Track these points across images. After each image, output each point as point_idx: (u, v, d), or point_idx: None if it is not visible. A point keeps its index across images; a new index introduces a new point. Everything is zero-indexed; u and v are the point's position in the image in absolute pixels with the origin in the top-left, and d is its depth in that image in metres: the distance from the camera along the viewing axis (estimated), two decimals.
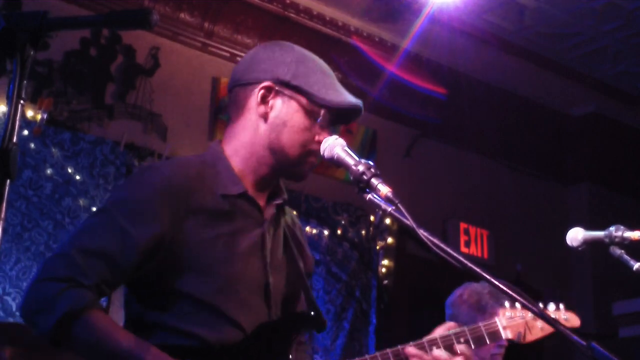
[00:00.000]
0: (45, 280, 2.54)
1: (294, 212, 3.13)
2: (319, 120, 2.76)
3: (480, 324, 3.14)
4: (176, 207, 2.64)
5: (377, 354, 2.88)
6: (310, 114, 2.75)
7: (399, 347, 2.93)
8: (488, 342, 3.14)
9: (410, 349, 2.93)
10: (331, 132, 2.78)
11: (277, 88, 2.77)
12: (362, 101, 2.87)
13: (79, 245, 2.57)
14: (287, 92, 2.77)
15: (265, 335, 2.67)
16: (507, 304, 3.29)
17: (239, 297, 2.66)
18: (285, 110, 2.76)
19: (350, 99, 2.81)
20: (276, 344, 2.69)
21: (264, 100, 2.78)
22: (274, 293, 2.76)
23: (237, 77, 2.85)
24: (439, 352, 2.95)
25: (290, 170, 2.79)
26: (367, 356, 2.86)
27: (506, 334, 3.19)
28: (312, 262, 3.07)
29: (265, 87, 2.77)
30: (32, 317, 2.54)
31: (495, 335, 3.16)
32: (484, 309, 4.55)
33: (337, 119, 2.85)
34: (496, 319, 3.20)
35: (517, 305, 3.26)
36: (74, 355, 2.58)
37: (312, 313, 2.84)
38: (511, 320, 3.23)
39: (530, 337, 3.25)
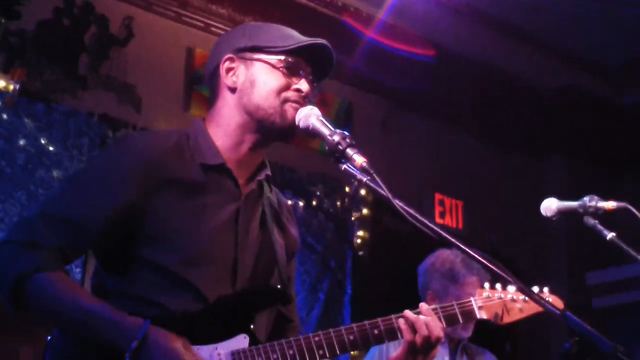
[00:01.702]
0: (5, 243, 2.58)
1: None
2: (283, 69, 2.77)
3: (454, 302, 3.11)
4: (149, 177, 2.66)
5: (379, 319, 2.88)
6: (273, 66, 2.81)
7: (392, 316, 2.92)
8: (461, 322, 3.12)
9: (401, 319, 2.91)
10: (308, 80, 2.81)
11: (237, 56, 2.84)
12: (328, 43, 2.87)
13: (44, 210, 2.62)
14: (247, 55, 2.84)
15: (226, 306, 2.68)
16: (486, 284, 3.26)
17: (206, 270, 2.68)
18: (249, 72, 2.82)
19: (308, 39, 2.83)
20: (236, 315, 2.69)
21: (229, 72, 2.84)
22: (242, 268, 2.77)
23: (207, 70, 2.96)
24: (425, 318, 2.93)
25: (275, 124, 2.79)
26: (354, 325, 2.86)
27: (481, 314, 3.17)
28: (295, 242, 3.08)
29: (226, 60, 2.85)
30: None
31: (469, 315, 3.14)
32: (456, 278, 4.57)
33: (309, 65, 2.87)
34: (472, 299, 3.17)
35: (497, 286, 3.24)
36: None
37: (278, 287, 2.86)
38: (488, 300, 3.20)
39: (508, 319, 3.22)
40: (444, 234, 2.30)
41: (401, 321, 2.88)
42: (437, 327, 2.90)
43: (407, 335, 2.87)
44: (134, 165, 2.67)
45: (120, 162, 2.70)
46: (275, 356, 2.66)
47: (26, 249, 2.54)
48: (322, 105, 7.17)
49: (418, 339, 2.86)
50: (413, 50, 7.61)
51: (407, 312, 2.92)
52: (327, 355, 2.75)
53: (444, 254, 4.69)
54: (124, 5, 6.41)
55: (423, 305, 2.98)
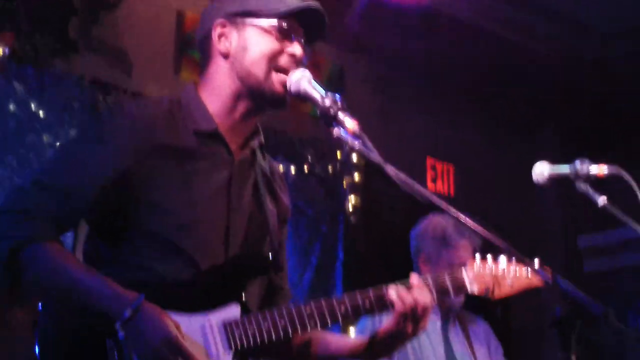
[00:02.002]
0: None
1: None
2: (275, 33, 2.77)
3: (446, 274, 3.10)
4: (140, 145, 2.67)
5: (357, 292, 2.88)
6: (266, 31, 2.80)
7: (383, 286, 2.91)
8: (452, 295, 3.12)
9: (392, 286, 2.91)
10: (301, 44, 2.81)
11: (229, 21, 2.84)
12: (319, 4, 2.88)
13: (38, 180, 2.63)
14: (239, 20, 2.84)
15: (218, 274, 2.69)
16: (477, 257, 3.26)
17: (198, 236, 2.69)
18: (242, 37, 2.81)
19: (301, 3, 2.82)
20: (228, 283, 2.70)
21: (222, 38, 2.83)
22: (234, 235, 2.78)
23: (198, 35, 2.96)
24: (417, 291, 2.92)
25: (264, 93, 2.79)
26: (345, 295, 2.86)
27: (472, 288, 3.17)
28: (287, 209, 3.09)
29: (218, 25, 2.85)
30: None
31: (461, 288, 3.13)
32: (449, 242, 4.60)
33: (301, 29, 2.87)
34: (463, 270, 3.17)
35: (488, 259, 3.23)
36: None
37: (270, 254, 2.87)
38: (479, 274, 3.20)
39: (499, 294, 3.22)
40: (435, 199, 2.30)
41: (390, 293, 2.88)
42: (426, 298, 2.89)
43: (397, 306, 2.87)
44: (126, 133, 2.69)
45: (113, 130, 2.71)
46: (266, 325, 2.68)
47: (20, 219, 2.55)
48: (314, 68, 7.11)
49: (407, 310, 2.86)
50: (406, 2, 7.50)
51: (395, 285, 2.92)
52: (318, 325, 2.77)
53: (436, 218, 4.70)
54: None
55: (414, 276, 2.98)
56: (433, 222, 4.71)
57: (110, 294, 2.50)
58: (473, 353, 4.77)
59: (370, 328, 4.36)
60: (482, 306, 4.95)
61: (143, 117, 2.72)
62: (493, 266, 3.18)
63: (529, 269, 2.16)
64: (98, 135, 2.72)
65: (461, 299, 4.61)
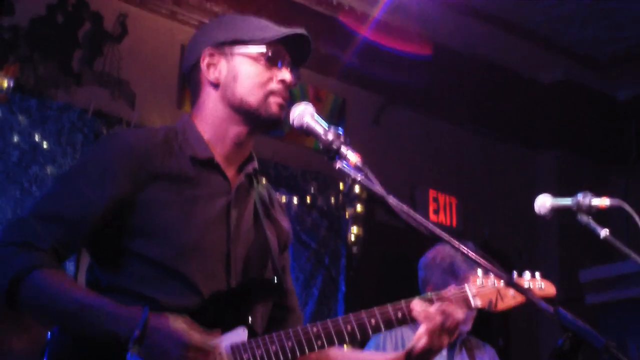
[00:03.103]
0: (0, 246, 2.58)
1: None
2: (264, 60, 2.81)
3: (449, 290, 3.11)
4: (137, 171, 2.68)
5: (375, 308, 2.87)
6: (255, 58, 2.84)
7: (402, 301, 2.90)
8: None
9: (416, 302, 2.90)
10: (289, 70, 2.86)
11: (217, 51, 2.86)
12: (306, 32, 2.90)
13: (37, 211, 2.64)
14: (227, 49, 2.86)
15: (222, 301, 2.69)
16: (479, 272, 3.25)
17: (198, 262, 2.69)
18: (231, 66, 2.84)
19: (287, 29, 2.85)
20: (233, 308, 2.70)
21: (210, 67, 2.86)
22: (235, 262, 2.78)
23: (186, 65, 2.97)
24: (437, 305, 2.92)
25: (260, 117, 2.82)
26: (362, 312, 2.86)
27: (476, 302, 3.16)
28: (287, 234, 3.08)
29: (207, 55, 2.86)
30: None
31: (464, 303, 3.13)
32: (457, 273, 4.57)
33: (289, 55, 2.90)
34: (466, 286, 3.16)
35: (491, 273, 3.22)
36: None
37: (273, 281, 2.86)
38: (482, 288, 3.19)
39: (502, 306, 3.20)
40: (437, 231, 2.31)
41: (416, 310, 2.86)
42: (458, 313, 2.89)
43: (426, 323, 2.86)
44: (123, 159, 2.69)
45: (110, 157, 2.72)
46: (274, 348, 2.67)
47: (21, 250, 2.55)
48: (316, 101, 7.17)
49: (437, 326, 2.85)
50: (408, 48, 7.61)
51: (418, 300, 2.90)
52: (326, 346, 2.76)
53: (445, 249, 4.67)
54: (117, 2, 6.40)
55: (415, 300, 2.98)
56: (441, 252, 4.68)
57: (115, 314, 2.49)
58: None
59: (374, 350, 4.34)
60: (483, 335, 4.95)
61: (139, 144, 2.73)
62: (495, 280, 3.18)
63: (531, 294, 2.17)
64: (94, 162, 2.74)
65: (469, 326, 4.60)
